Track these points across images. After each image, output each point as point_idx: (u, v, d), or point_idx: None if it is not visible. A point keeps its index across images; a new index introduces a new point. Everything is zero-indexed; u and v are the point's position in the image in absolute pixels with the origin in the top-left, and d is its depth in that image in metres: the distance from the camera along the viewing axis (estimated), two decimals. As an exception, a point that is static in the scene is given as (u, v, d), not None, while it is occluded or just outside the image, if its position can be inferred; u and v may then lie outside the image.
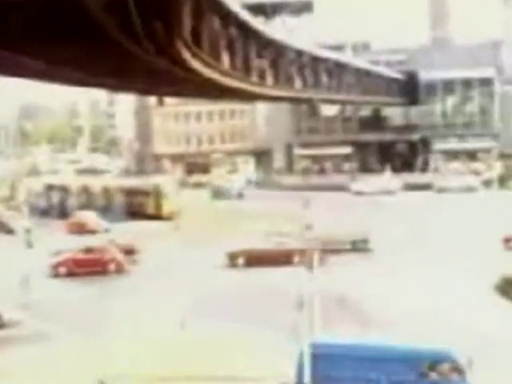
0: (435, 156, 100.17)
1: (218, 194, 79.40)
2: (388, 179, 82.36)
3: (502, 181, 79.13)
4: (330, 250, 43.08)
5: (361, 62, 68.58)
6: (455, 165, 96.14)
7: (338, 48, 68.83)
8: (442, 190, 76.53)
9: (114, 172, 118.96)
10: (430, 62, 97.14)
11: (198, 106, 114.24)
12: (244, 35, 39.25)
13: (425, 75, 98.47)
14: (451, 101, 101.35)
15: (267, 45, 45.06)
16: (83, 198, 71.09)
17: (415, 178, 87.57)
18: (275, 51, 47.34)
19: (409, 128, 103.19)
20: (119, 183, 76.16)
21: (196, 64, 31.86)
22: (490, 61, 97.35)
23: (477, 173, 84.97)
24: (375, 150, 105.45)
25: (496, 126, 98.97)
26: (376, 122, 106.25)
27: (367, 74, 73.44)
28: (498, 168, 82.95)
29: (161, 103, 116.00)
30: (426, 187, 79.78)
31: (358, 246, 46.51)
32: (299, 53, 51.79)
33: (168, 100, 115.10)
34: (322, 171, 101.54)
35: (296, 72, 51.88)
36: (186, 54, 29.66)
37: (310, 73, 55.45)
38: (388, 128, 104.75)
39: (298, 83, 53.18)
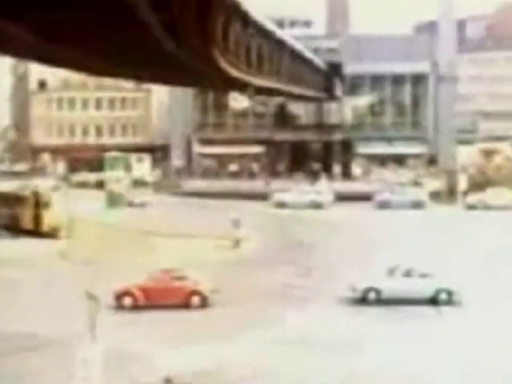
0: (358, 161, 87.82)
1: (115, 201, 63.78)
2: (320, 188, 68.73)
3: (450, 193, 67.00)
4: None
5: (297, 44, 54.82)
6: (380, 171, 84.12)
7: (278, 23, 54.48)
8: (384, 205, 63.60)
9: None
10: (359, 52, 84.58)
11: (84, 92, 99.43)
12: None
13: (351, 68, 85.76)
14: (377, 98, 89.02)
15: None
16: None
17: (343, 186, 74.46)
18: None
19: (327, 127, 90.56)
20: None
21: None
22: (425, 55, 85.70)
23: (418, 183, 72.27)
24: (288, 151, 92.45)
25: (428, 129, 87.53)
26: (290, 119, 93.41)
27: (301, 59, 59.87)
28: (443, 178, 70.62)
29: (42, 87, 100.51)
30: (357, 198, 66.98)
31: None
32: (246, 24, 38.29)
33: (51, 84, 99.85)
34: (232, 174, 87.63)
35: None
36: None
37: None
38: (303, 127, 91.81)
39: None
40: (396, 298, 31.49)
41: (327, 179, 76.08)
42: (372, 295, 31.93)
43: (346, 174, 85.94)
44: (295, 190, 67.21)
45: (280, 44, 47.82)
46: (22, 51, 32.45)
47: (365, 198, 66.42)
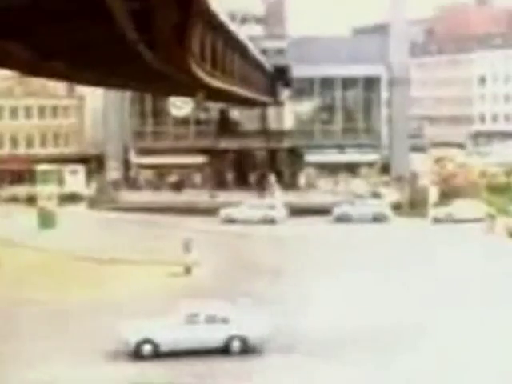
0: (307, 170, 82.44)
1: (47, 220, 57.16)
2: (273, 201, 63.08)
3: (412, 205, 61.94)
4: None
5: (248, 42, 49.06)
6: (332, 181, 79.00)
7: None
8: (343, 219, 58.33)
9: None
10: (308, 54, 79.23)
11: (12, 99, 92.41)
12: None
13: (299, 71, 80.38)
14: (321, 103, 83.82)
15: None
16: None
17: (294, 197, 68.98)
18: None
19: (273, 134, 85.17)
20: None
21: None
22: (377, 57, 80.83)
23: (376, 194, 66.99)
24: (232, 160, 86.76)
25: (381, 135, 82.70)
26: (233, 126, 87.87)
27: (252, 61, 54.20)
28: (402, 188, 65.66)
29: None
30: (311, 211, 61.73)
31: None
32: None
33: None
34: (173, 186, 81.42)
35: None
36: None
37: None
38: (247, 134, 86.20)
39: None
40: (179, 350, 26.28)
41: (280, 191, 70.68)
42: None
43: (295, 185, 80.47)
44: (245, 204, 61.62)
45: (237, 44, 42.32)
46: (10, 64, 29.39)
47: (320, 211, 61.31)
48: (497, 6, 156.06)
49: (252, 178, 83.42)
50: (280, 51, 79.25)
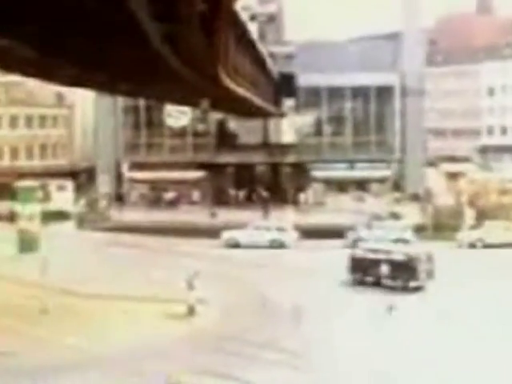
0: (314, 186, 76.34)
1: (28, 243, 50.60)
2: (282, 223, 56.68)
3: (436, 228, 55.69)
4: None
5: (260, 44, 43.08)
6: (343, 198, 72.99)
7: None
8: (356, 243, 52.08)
9: None
10: (314, 61, 73.17)
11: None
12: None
13: (306, 79, 74.31)
14: (331, 114, 77.77)
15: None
16: None
17: (303, 218, 62.91)
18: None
19: (277, 148, 79.14)
20: None
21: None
22: (390, 65, 74.98)
23: (396, 215, 60.51)
24: (232, 176, 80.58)
25: (394, 149, 76.64)
26: (232, 138, 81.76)
27: (261, 65, 48.11)
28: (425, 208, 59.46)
29: None
30: (322, 232, 55.64)
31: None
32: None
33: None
34: (169, 203, 75.30)
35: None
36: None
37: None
38: (248, 147, 80.00)
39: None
40: None
41: (284, 210, 64.65)
42: None
43: (300, 202, 74.32)
44: (250, 225, 55.41)
45: (251, 46, 36.73)
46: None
47: (332, 233, 55.21)
48: (499, 15, 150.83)
49: (254, 195, 77.30)
50: (288, 57, 73.23)
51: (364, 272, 40.21)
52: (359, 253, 41.26)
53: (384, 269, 39.15)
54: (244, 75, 36.74)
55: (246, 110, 54.22)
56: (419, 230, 55.20)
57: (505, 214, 57.65)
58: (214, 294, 35.77)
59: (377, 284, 39.50)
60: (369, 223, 54.94)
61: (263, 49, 45.32)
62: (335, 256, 46.25)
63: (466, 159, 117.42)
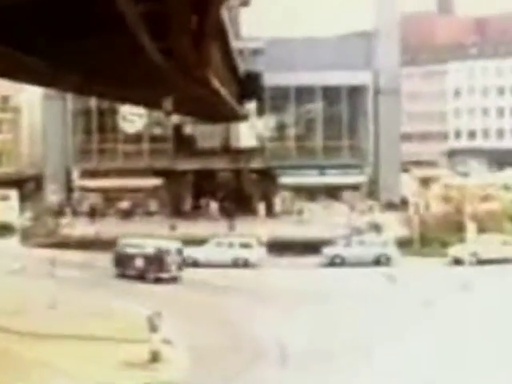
0: (282, 194, 70.56)
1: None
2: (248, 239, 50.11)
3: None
4: None
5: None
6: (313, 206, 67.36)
7: None
8: (336, 262, 46.18)
9: None
10: (281, 58, 67.32)
11: None
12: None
13: (272, 78, 68.36)
14: (304, 116, 72.06)
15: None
16: None
17: (270, 229, 56.75)
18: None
19: (241, 153, 73.17)
20: None
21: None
22: (362, 62, 69.43)
23: (377, 227, 54.58)
24: (192, 183, 74.36)
25: (368, 153, 71.03)
26: (192, 143, 75.53)
27: (230, 61, 42.16)
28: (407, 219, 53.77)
29: None
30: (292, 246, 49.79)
31: None
32: None
33: None
34: (124, 214, 68.95)
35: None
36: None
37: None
38: (209, 152, 73.82)
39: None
40: None
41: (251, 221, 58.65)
42: None
43: (268, 213, 68.48)
44: (211, 241, 49.15)
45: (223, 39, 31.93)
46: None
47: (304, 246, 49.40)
48: (461, 14, 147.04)
49: (215, 204, 71.32)
50: (255, 53, 67.27)
51: (124, 266, 43.70)
52: (120, 249, 44.66)
53: (139, 262, 42.93)
54: (216, 72, 31.55)
55: (213, 111, 48.71)
56: (404, 244, 49.45)
57: (495, 224, 52.23)
58: (180, 331, 29.62)
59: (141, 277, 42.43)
60: (348, 238, 48.82)
61: (233, 43, 39.31)
62: (306, 276, 40.37)
63: (431, 164, 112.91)
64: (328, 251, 47.42)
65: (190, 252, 47.53)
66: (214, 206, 70.48)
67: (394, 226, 54.80)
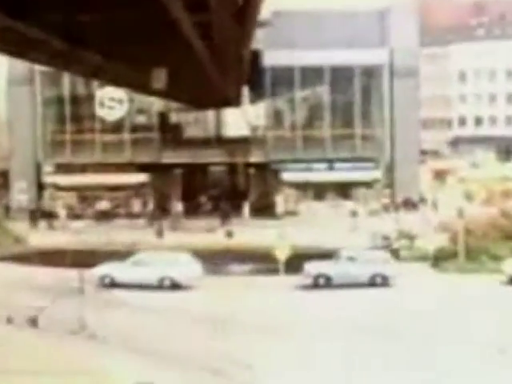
0: (286, 192, 61.80)
1: None
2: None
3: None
4: None
5: None
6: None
7: None
8: (322, 284, 36.54)
9: None
10: (285, 35, 58.34)
11: None
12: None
13: (273, 57, 59.39)
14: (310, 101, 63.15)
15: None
16: None
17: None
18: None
19: (233, 144, 64.43)
20: None
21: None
22: (377, 40, 60.50)
23: (410, 237, 45.19)
24: (180, 179, 65.35)
25: (384, 145, 62.13)
26: (180, 133, 66.73)
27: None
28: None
29: None
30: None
31: None
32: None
33: None
34: (104, 215, 60.14)
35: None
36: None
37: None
38: (199, 143, 65.07)
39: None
40: None
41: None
42: None
43: (269, 213, 59.65)
44: (131, 258, 39.14)
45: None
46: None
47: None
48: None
49: (207, 204, 62.79)
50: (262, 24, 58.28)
51: None
52: None
53: None
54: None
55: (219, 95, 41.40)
56: (445, 257, 40.30)
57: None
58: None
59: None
60: (337, 253, 38.70)
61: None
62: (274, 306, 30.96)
63: (435, 153, 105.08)
64: (310, 268, 37.37)
65: (106, 270, 37.75)
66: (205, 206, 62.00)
67: (427, 233, 45.48)
